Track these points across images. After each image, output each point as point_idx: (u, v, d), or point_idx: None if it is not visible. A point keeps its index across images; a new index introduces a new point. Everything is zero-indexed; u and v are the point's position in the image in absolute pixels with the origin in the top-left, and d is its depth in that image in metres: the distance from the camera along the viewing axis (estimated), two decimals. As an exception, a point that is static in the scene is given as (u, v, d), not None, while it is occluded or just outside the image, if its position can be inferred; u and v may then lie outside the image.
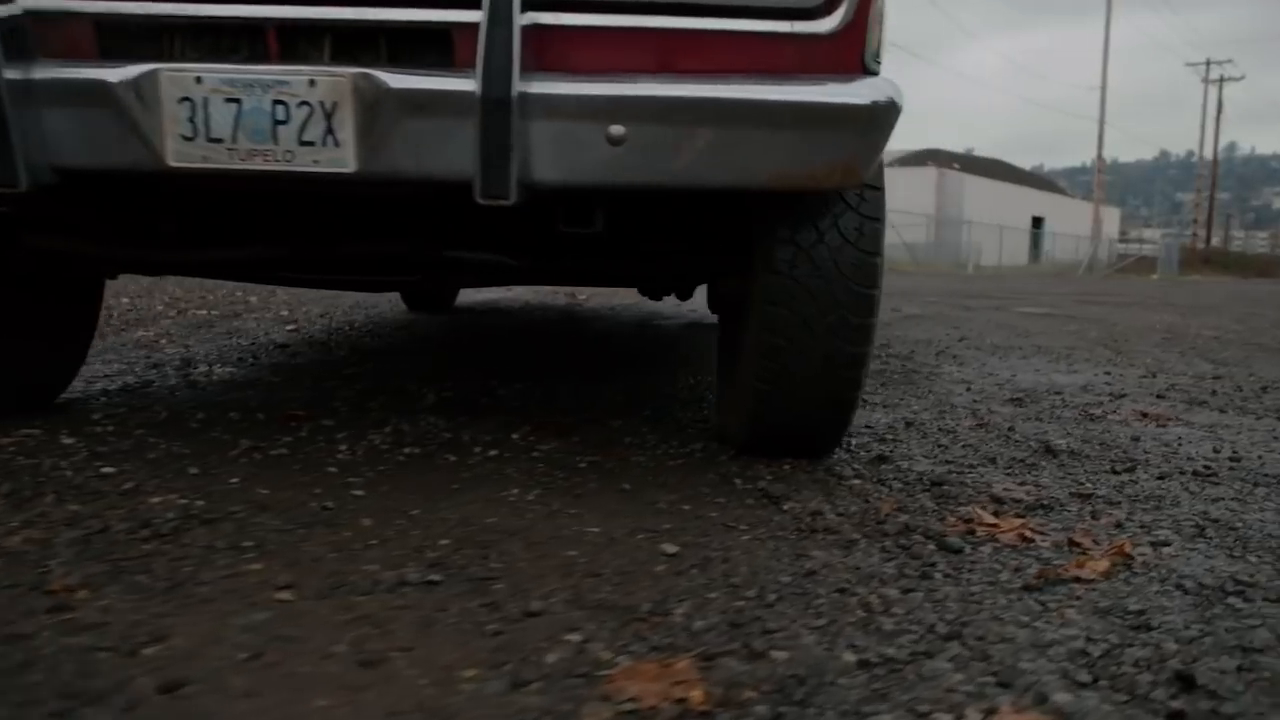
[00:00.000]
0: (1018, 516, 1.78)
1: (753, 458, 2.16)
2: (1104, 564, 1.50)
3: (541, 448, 2.21)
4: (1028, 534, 1.66)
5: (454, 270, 2.41)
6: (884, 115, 1.73)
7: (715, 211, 2.10)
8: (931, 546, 1.60)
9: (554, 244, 2.06)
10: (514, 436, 2.31)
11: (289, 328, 4.49)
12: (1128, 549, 1.58)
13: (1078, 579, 1.47)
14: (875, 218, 1.93)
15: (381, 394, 2.79)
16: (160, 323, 4.45)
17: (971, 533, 1.67)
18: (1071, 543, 1.64)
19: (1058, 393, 3.38)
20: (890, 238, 32.08)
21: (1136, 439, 2.59)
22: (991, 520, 1.72)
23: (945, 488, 1.99)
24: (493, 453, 2.15)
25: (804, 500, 1.85)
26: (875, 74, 1.80)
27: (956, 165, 46.07)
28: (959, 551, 1.58)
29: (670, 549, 1.56)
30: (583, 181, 1.69)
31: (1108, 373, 3.97)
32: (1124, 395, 3.37)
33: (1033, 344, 5.08)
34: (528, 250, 2.07)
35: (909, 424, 2.67)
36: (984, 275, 24.06)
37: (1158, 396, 3.37)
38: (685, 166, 1.69)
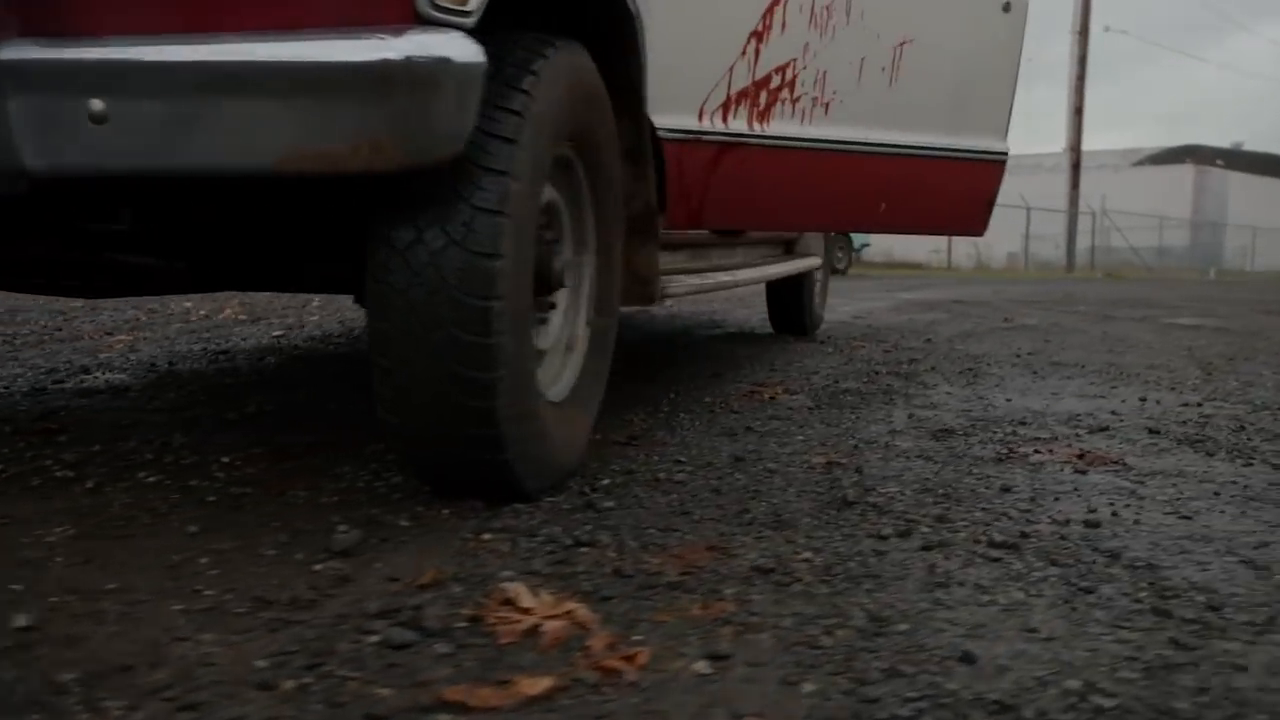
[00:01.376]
0: (550, 610, 1.36)
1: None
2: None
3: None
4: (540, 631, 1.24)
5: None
6: (421, 78, 1.36)
7: (306, 202, 1.76)
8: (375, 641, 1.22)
9: (86, 242, 1.79)
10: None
11: (276, 333, 4.45)
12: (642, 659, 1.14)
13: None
14: (492, 210, 1.54)
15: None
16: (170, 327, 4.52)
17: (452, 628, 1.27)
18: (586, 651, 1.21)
19: (1022, 422, 2.77)
20: (1116, 240, 29.57)
21: (1008, 489, 2.03)
22: (516, 606, 1.30)
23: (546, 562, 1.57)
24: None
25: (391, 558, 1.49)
26: (450, 25, 1.43)
27: (1220, 162, 41.91)
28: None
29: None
30: (70, 169, 1.42)
31: (1141, 399, 3.25)
32: (1104, 429, 2.72)
33: (1106, 361, 4.31)
34: (64, 249, 1.81)
35: (707, 465, 2.22)
36: (1219, 282, 21.56)
37: (1149, 431, 2.69)
38: (182, 147, 1.39)
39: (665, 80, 2.23)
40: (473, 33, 1.45)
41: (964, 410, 2.96)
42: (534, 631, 1.22)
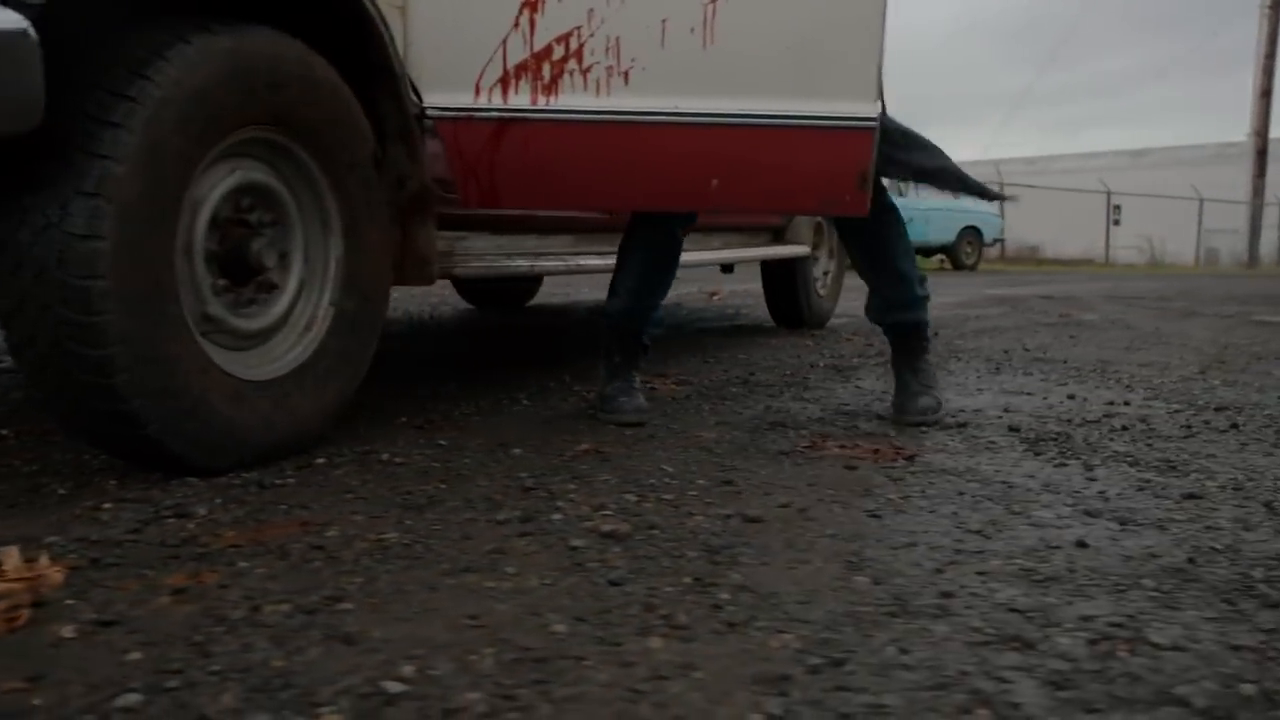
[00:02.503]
0: None
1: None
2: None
3: None
4: None
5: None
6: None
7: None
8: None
9: None
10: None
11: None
12: None
13: None
14: (90, 193, 1.55)
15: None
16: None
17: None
18: None
19: (879, 417, 2.60)
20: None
21: (729, 482, 1.91)
22: None
23: None
24: None
25: None
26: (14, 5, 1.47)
27: None
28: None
29: None
30: None
31: (1069, 396, 2.99)
32: (963, 426, 2.52)
33: (1099, 359, 3.97)
34: None
35: (457, 449, 2.18)
36: None
37: (1008, 429, 2.47)
38: None
39: (435, 57, 2.21)
40: (37, 8, 1.48)
41: (841, 405, 2.80)
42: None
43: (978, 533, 1.61)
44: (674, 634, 1.18)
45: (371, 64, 2.11)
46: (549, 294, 6.51)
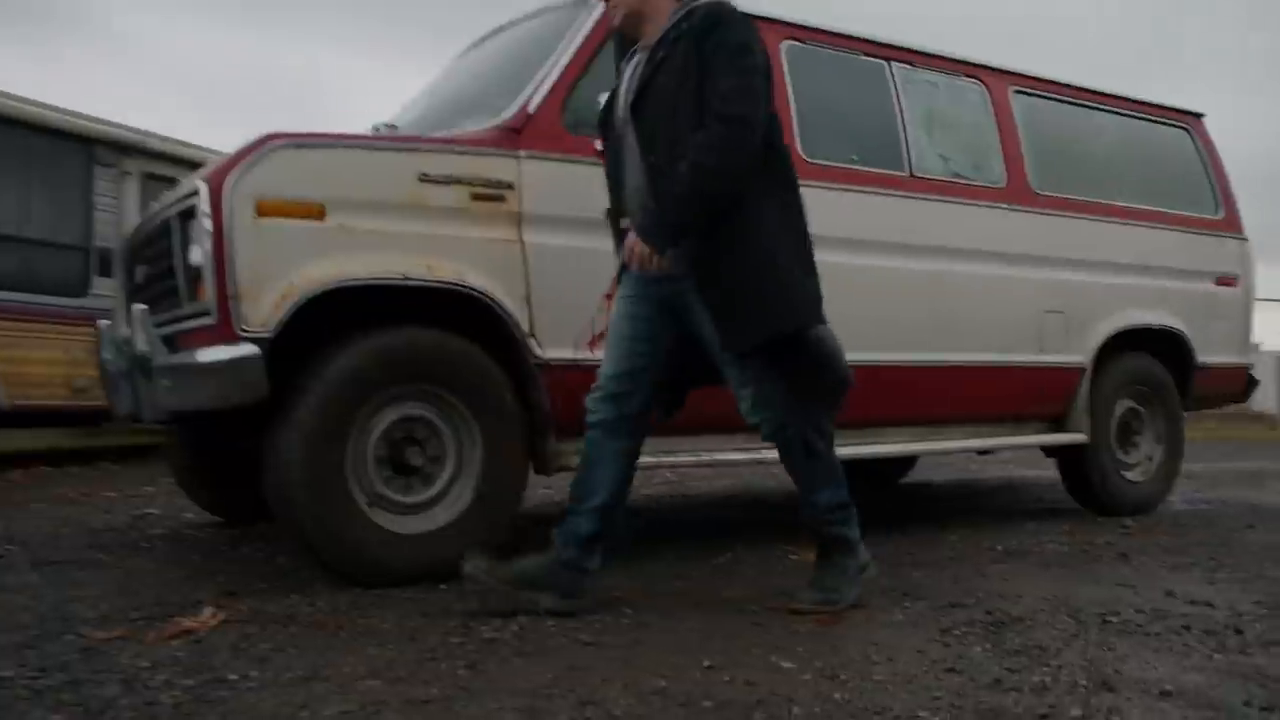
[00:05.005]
0: None
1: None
2: None
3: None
4: None
5: None
6: (230, 364, 2.91)
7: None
8: None
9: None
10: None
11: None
12: None
13: None
14: (292, 426, 2.98)
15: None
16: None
17: None
18: None
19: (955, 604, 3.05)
20: None
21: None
22: None
23: None
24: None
25: None
26: (250, 339, 2.97)
27: None
28: None
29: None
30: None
31: (1168, 592, 3.06)
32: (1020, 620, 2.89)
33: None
34: None
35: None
36: None
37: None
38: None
39: (549, 327, 3.37)
40: (267, 341, 2.93)
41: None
42: None
43: None
44: None
45: (506, 337, 3.32)
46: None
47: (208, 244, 2.94)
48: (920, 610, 2.86)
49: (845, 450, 3.33)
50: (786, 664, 2.31)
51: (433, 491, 3.26)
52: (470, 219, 3.27)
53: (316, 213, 3.04)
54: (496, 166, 3.32)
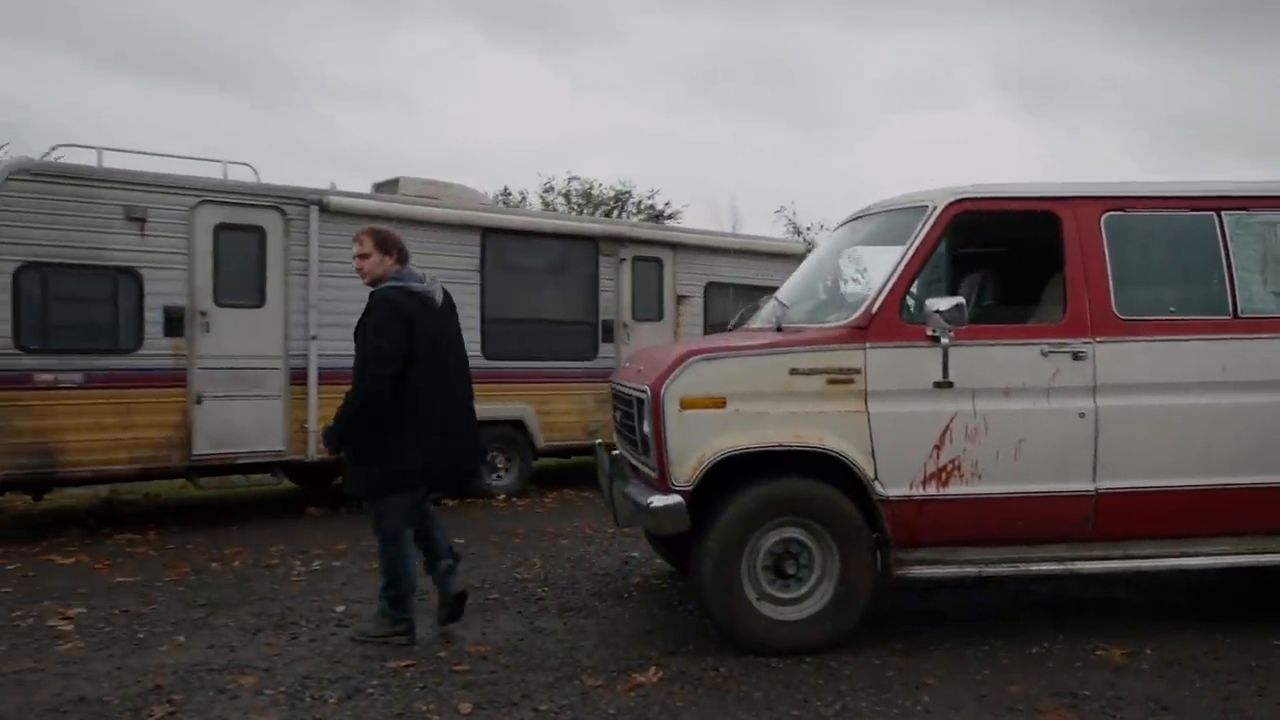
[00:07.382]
0: None
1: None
2: None
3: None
4: None
5: None
6: (662, 510, 4.50)
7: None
8: None
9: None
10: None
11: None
12: None
13: None
14: (707, 544, 4.50)
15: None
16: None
17: None
18: None
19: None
20: None
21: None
22: None
23: None
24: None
25: None
26: (674, 491, 4.53)
27: None
28: None
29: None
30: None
31: None
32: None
33: None
34: None
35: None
36: None
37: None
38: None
39: (890, 470, 4.55)
40: (689, 492, 4.45)
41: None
42: None
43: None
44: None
45: (857, 481, 4.57)
46: None
47: (648, 427, 4.54)
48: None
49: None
50: None
51: (803, 590, 4.62)
52: (827, 397, 4.55)
53: (719, 403, 4.50)
54: (848, 358, 4.57)
